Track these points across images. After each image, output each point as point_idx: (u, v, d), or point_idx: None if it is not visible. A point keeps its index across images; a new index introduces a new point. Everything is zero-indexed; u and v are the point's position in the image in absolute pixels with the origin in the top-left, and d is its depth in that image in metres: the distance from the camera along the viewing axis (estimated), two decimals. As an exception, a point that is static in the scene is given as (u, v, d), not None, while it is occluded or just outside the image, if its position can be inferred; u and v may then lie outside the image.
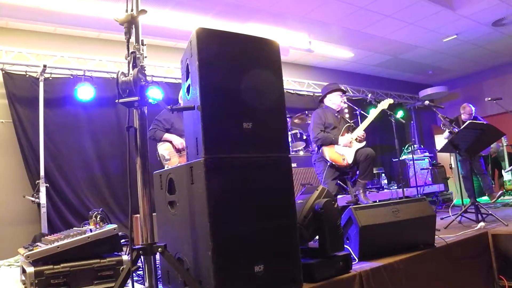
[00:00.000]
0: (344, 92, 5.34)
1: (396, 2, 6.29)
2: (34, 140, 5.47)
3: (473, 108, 7.30)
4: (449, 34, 7.85)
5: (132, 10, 2.08)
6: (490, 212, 4.38)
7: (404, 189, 6.09)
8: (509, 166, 7.71)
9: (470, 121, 4.60)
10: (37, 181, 5.33)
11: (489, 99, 7.31)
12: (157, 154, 4.90)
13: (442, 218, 4.98)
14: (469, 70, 10.57)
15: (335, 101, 5.18)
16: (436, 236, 3.37)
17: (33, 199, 5.24)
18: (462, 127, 4.56)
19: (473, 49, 8.89)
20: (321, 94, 5.49)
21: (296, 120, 7.11)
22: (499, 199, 6.78)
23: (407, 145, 8.40)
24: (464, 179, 7.06)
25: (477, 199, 4.62)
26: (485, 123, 5.05)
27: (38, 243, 2.60)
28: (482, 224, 4.11)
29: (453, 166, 7.99)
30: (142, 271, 2.72)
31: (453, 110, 10.39)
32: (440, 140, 10.69)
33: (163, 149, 4.90)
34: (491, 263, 3.67)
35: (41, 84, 5.57)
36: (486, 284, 3.62)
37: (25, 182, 5.46)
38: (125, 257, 2.54)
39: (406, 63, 9.51)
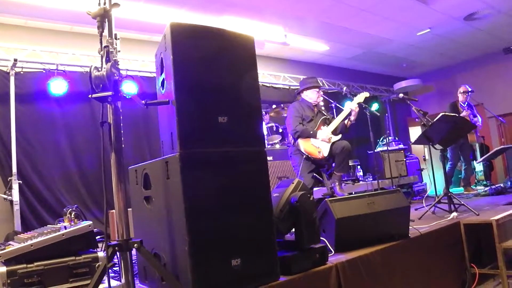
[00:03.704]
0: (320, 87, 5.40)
1: (370, -4, 6.35)
2: (6, 136, 5.34)
3: (469, 88, 7.47)
4: (423, 28, 7.95)
5: (105, 4, 2.05)
6: (462, 203, 4.49)
7: (379, 181, 6.18)
8: (481, 157, 7.90)
9: (443, 113, 4.69)
10: (10, 178, 5.21)
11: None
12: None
13: (416, 209, 5.08)
14: (442, 63, 10.73)
15: (312, 96, 5.23)
16: (410, 227, 3.44)
17: (5, 196, 5.13)
18: (435, 120, 4.65)
19: (446, 43, 9.03)
20: (298, 87, 5.51)
21: (272, 114, 7.12)
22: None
23: (382, 137, 8.51)
24: (450, 168, 7.25)
25: (450, 190, 4.72)
26: (457, 115, 5.16)
27: (11, 242, 2.55)
28: (454, 214, 4.21)
29: (426, 157, 8.14)
30: (118, 268, 2.70)
31: (427, 103, 10.59)
32: (415, 132, 10.89)
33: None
34: (463, 252, 3.77)
35: (12, 79, 5.43)
36: (458, 272, 3.72)
37: (-3, 179, 5.35)
38: (101, 254, 2.51)
39: (381, 57, 9.61)
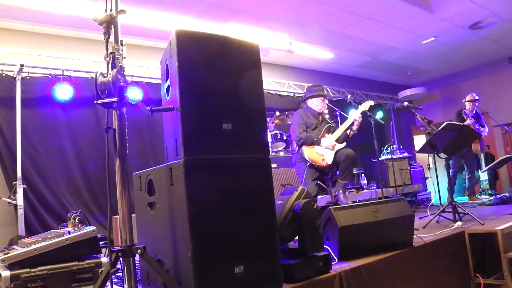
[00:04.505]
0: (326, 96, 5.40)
1: (375, 4, 6.35)
2: (11, 140, 5.36)
3: (476, 97, 7.43)
4: (428, 36, 7.96)
5: (111, 10, 2.06)
6: (467, 212, 4.46)
7: (383, 189, 6.16)
8: (485, 166, 7.87)
9: (448, 122, 4.67)
10: (14, 182, 5.23)
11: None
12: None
13: (420, 218, 5.04)
14: (447, 71, 10.72)
15: (316, 104, 5.23)
16: (414, 236, 3.42)
17: (10, 200, 5.14)
18: (439, 128, 4.63)
19: (451, 51, 9.03)
20: (303, 94, 5.51)
21: (276, 121, 7.12)
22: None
23: (386, 146, 8.49)
24: (451, 176, 7.23)
25: (454, 199, 4.70)
26: (462, 124, 5.14)
27: (15, 246, 2.55)
28: (459, 223, 4.18)
29: (431, 166, 8.12)
30: (121, 273, 2.70)
31: (432, 111, 10.58)
32: (419, 141, 10.86)
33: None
34: (467, 262, 3.74)
35: (18, 84, 5.47)
36: (463, 282, 3.69)
37: (2, 183, 5.36)
38: (104, 259, 2.51)
39: (386, 64, 9.61)
